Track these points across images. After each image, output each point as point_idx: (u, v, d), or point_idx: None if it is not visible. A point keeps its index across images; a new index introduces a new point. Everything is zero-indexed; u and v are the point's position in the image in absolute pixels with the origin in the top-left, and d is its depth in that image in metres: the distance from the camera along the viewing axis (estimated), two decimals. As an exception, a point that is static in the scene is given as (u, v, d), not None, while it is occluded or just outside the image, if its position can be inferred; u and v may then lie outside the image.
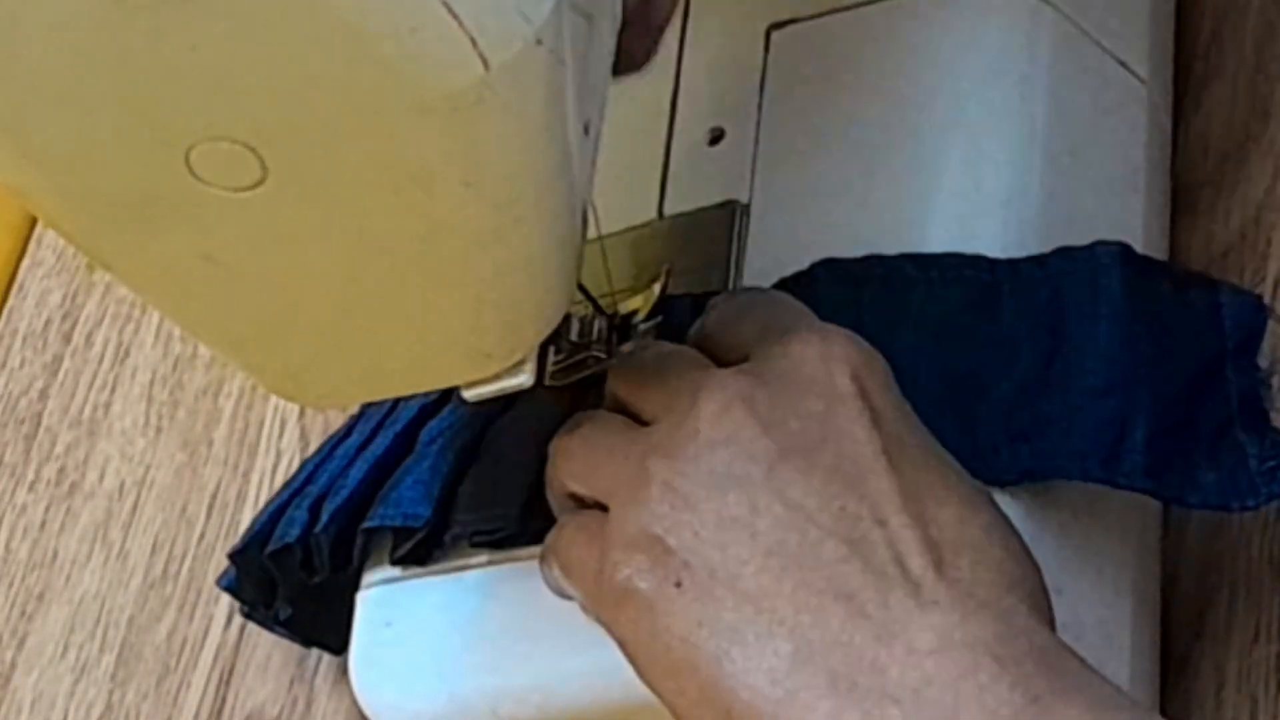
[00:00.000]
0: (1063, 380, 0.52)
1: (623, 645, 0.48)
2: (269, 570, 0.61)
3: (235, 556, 0.62)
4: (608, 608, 0.48)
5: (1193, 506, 0.53)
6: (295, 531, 0.59)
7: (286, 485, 0.62)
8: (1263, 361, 0.53)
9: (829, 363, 0.48)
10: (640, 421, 0.51)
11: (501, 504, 0.56)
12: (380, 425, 0.61)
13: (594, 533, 0.50)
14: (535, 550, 0.56)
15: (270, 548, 0.60)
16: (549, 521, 0.54)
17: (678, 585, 0.47)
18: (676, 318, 0.57)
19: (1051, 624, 0.46)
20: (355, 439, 0.62)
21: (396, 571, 0.59)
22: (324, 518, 0.59)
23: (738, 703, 0.45)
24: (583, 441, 0.52)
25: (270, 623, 0.63)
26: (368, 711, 0.58)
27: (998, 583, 0.45)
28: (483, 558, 0.57)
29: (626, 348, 0.55)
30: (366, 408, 0.63)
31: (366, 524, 0.58)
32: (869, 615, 0.44)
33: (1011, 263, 0.54)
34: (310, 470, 0.62)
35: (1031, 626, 0.45)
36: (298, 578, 0.60)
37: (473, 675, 0.56)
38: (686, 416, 0.48)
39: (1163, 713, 0.54)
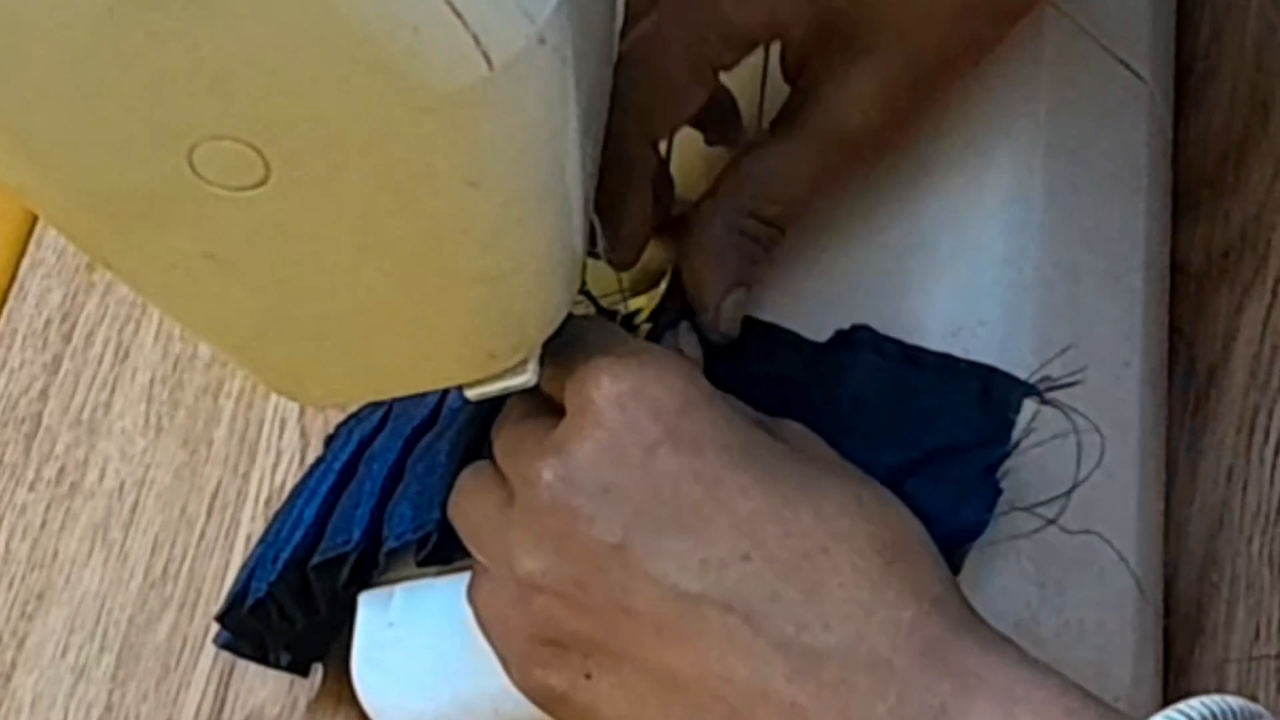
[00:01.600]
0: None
1: None
2: (256, 626, 0.61)
3: (222, 618, 0.62)
4: (537, 701, 0.49)
5: None
6: (264, 587, 0.60)
7: (261, 539, 0.63)
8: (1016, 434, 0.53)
9: (628, 407, 0.48)
10: None
11: None
12: (329, 466, 0.62)
13: (501, 612, 0.50)
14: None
15: (248, 604, 0.60)
16: None
17: (588, 676, 0.47)
18: (667, 319, 0.57)
19: (936, 558, 0.46)
20: (311, 482, 0.62)
21: (398, 572, 0.59)
22: (279, 568, 0.59)
23: None
24: (464, 507, 0.52)
25: (273, 666, 0.64)
26: (370, 711, 0.58)
27: (874, 568, 0.45)
28: (466, 560, 0.57)
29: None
30: (326, 449, 0.63)
31: (313, 562, 0.59)
32: (770, 660, 0.44)
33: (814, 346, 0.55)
34: (275, 519, 0.62)
35: (919, 615, 0.44)
36: (281, 629, 0.61)
37: (475, 675, 0.55)
38: (535, 506, 0.48)
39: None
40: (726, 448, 0.47)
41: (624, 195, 0.54)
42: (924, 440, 0.52)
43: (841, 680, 0.44)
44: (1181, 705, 0.42)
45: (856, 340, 0.54)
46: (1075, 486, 0.52)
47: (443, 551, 0.56)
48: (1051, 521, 0.51)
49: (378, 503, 0.58)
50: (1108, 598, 0.53)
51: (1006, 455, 0.51)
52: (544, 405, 0.52)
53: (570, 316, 0.52)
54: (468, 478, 0.53)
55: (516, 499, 0.49)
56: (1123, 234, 0.57)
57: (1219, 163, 0.61)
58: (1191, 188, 0.61)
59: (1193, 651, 0.55)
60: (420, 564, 0.57)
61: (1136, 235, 0.58)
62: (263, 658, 0.63)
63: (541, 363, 0.51)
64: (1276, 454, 0.56)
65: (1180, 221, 0.61)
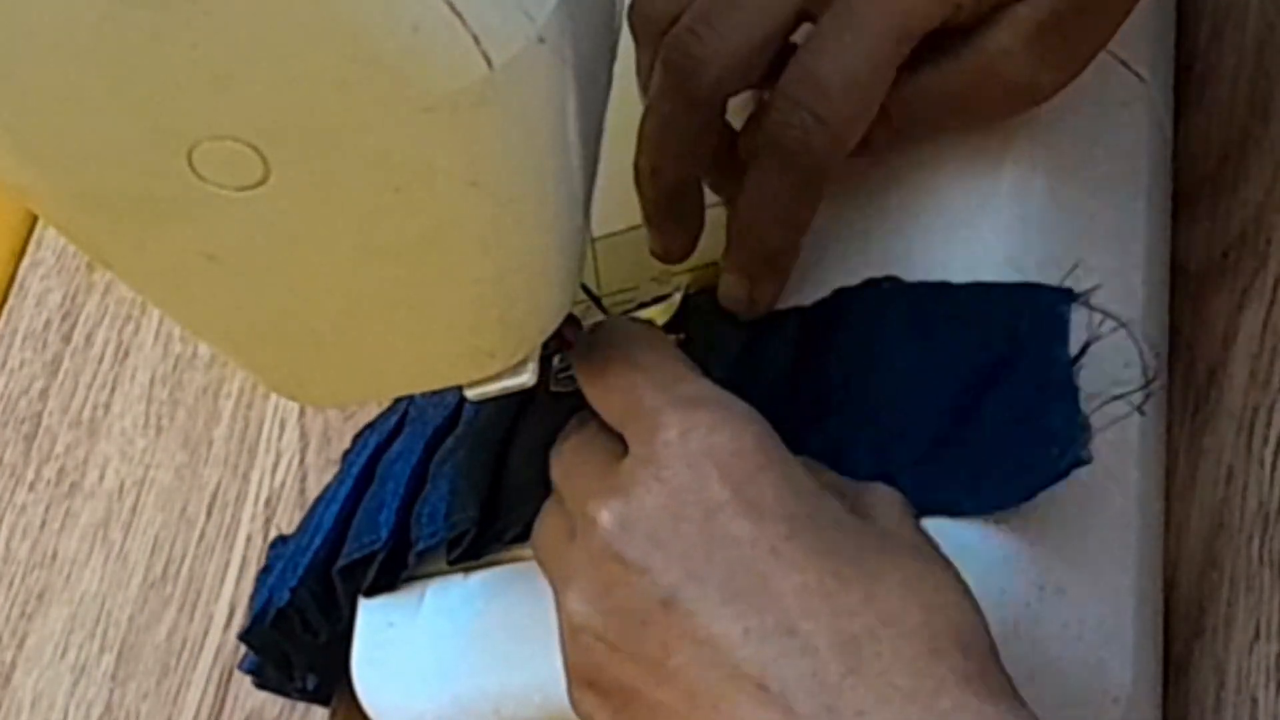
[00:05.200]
0: (841, 412, 0.52)
1: None
2: (280, 643, 0.61)
3: (245, 637, 0.62)
4: None
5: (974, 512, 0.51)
6: (286, 593, 0.59)
7: (278, 554, 0.62)
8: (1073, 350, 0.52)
9: (697, 466, 0.47)
10: None
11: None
12: (346, 472, 0.62)
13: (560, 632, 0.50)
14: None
15: (270, 615, 0.60)
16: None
17: None
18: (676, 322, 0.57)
19: (990, 652, 0.45)
20: (329, 490, 0.62)
21: (423, 571, 0.58)
22: (300, 573, 0.59)
23: None
24: (537, 534, 0.52)
25: (298, 696, 0.63)
26: (370, 711, 0.58)
27: (920, 655, 0.44)
28: (497, 555, 0.57)
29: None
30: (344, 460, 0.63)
31: (338, 565, 0.58)
32: None
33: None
34: (295, 533, 0.62)
35: (960, 704, 0.44)
36: (305, 642, 0.60)
37: (475, 675, 0.56)
38: (589, 548, 0.48)
39: (1164, 713, 0.54)
40: (790, 518, 0.47)
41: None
42: (974, 365, 0.52)
43: None
44: None
45: (871, 295, 0.54)
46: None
47: (476, 549, 0.56)
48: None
49: (403, 503, 0.58)
50: (1108, 598, 0.53)
51: (1079, 356, 0.51)
52: (603, 428, 0.51)
53: (605, 319, 0.52)
54: (549, 502, 0.52)
55: (576, 535, 0.49)
56: (1123, 233, 0.57)
57: (1219, 163, 0.61)
58: (1191, 188, 0.61)
59: (1193, 651, 0.55)
60: (452, 562, 0.57)
61: (1137, 235, 0.58)
62: (289, 680, 0.62)
63: (567, 368, 0.51)
64: (1276, 454, 0.56)
65: (1180, 221, 0.61)
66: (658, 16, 0.54)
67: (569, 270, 0.50)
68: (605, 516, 0.47)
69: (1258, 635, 0.54)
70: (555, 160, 0.46)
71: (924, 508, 0.50)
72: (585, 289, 0.57)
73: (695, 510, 0.47)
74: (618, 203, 0.60)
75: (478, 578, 0.57)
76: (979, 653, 0.45)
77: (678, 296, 0.58)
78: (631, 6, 0.54)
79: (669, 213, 0.56)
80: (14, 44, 0.40)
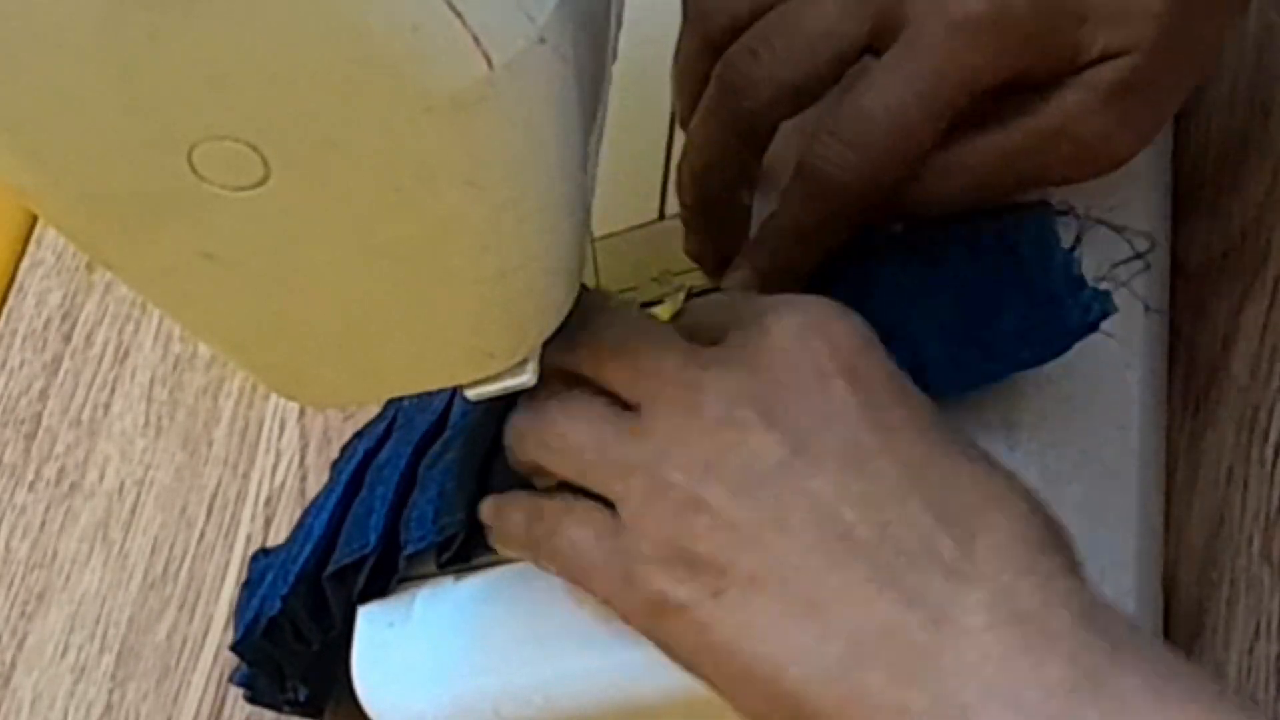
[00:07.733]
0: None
1: (668, 652, 0.48)
2: (272, 652, 0.61)
3: (238, 648, 0.61)
4: (642, 617, 0.48)
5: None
6: (278, 602, 0.59)
7: (268, 564, 0.62)
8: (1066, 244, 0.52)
9: (809, 342, 0.48)
10: (619, 401, 0.50)
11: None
12: (335, 480, 0.61)
13: (607, 537, 0.49)
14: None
15: (261, 625, 0.60)
16: None
17: (716, 595, 0.46)
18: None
19: (1080, 572, 0.46)
20: (319, 500, 0.62)
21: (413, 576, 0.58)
22: (291, 581, 0.59)
23: (804, 705, 0.45)
24: (565, 426, 0.51)
25: (290, 709, 0.63)
26: (370, 711, 0.58)
27: (1031, 540, 0.45)
28: (486, 558, 0.57)
29: None
30: (333, 470, 0.63)
31: (328, 571, 0.58)
32: (914, 601, 0.44)
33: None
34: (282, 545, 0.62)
35: (1072, 587, 0.44)
36: (296, 651, 0.60)
37: (475, 676, 0.56)
38: (692, 417, 0.48)
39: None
40: (901, 391, 0.47)
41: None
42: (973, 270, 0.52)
43: (986, 628, 0.43)
44: None
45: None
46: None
47: (465, 551, 0.56)
48: None
49: (392, 507, 0.58)
50: (1107, 597, 0.53)
51: (1074, 247, 0.51)
52: (672, 328, 0.51)
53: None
54: (560, 403, 0.51)
55: (663, 409, 0.48)
56: (1122, 234, 0.57)
57: (1219, 163, 0.61)
58: (1191, 188, 0.61)
59: (1193, 651, 0.55)
60: (442, 566, 0.57)
61: (1136, 236, 0.58)
62: (281, 692, 0.62)
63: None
64: (1276, 454, 0.56)
65: (1180, 221, 0.61)
66: (715, 13, 0.54)
67: (569, 270, 0.50)
68: (720, 383, 0.48)
69: (1258, 635, 0.54)
70: (555, 160, 0.46)
71: (964, 383, 0.50)
72: (585, 289, 0.57)
73: (809, 379, 0.47)
74: (618, 203, 0.60)
75: (470, 581, 0.57)
76: (1073, 554, 0.46)
77: (681, 295, 0.58)
78: None
79: (707, 219, 0.56)
80: (15, 44, 0.40)
